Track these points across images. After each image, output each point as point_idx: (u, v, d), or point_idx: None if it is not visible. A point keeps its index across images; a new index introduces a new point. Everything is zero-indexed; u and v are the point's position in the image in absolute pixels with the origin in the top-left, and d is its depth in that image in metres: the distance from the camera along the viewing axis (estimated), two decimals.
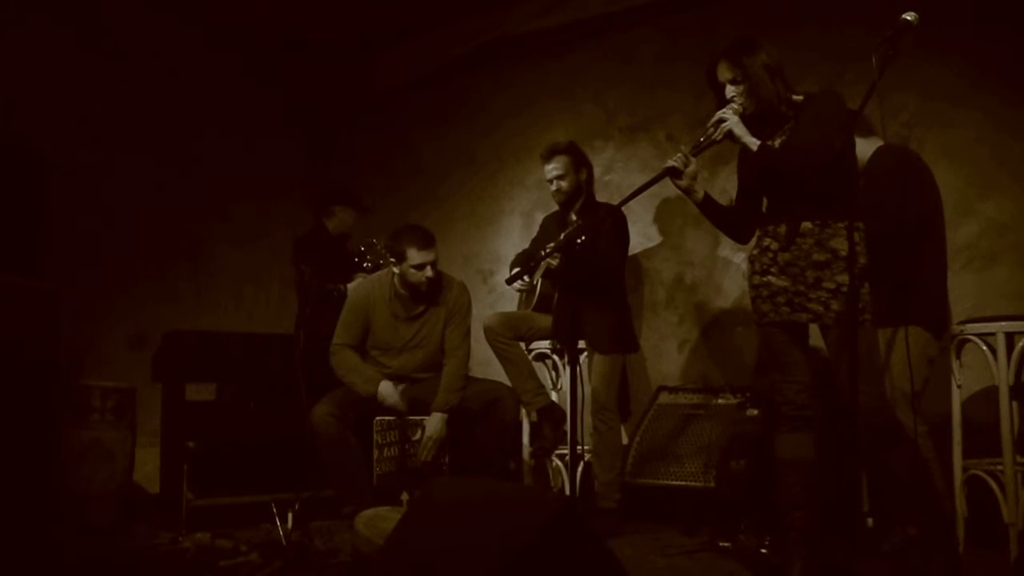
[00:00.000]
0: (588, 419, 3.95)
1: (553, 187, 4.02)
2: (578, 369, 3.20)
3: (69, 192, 4.61)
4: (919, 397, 3.06)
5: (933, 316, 3.19)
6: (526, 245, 4.57)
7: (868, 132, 3.37)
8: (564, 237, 3.65)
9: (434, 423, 3.82)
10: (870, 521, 3.31)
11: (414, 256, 3.87)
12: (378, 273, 4.20)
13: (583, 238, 3.61)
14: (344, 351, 4.01)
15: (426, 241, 3.89)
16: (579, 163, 4.03)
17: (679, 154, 2.82)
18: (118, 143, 5.06)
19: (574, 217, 4.06)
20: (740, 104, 2.75)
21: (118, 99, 5.07)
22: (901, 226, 3.13)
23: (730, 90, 2.77)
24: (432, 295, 4.03)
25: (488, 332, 4.00)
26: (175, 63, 5.36)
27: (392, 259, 3.97)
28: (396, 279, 4.03)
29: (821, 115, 2.67)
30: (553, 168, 3.99)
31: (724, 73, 2.78)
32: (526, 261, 4.21)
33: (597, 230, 3.80)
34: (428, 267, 3.89)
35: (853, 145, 2.89)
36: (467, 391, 3.92)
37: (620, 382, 3.97)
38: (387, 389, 3.86)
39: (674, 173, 2.83)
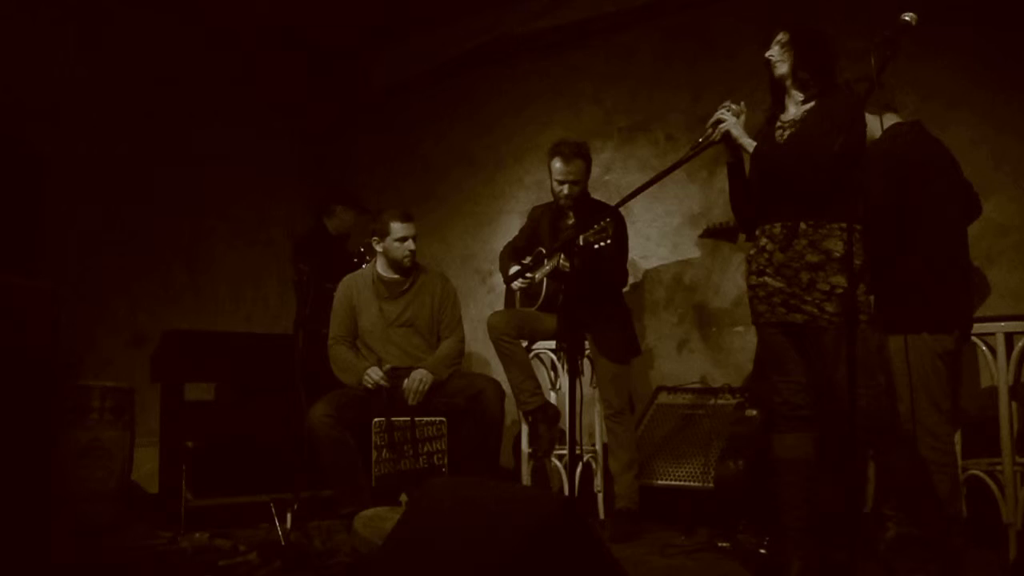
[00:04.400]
0: (598, 423, 4.03)
1: (565, 190, 3.91)
2: (578, 370, 3.20)
3: (68, 192, 4.61)
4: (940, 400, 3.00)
5: (933, 314, 3.01)
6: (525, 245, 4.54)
7: (885, 108, 3.24)
8: (564, 238, 3.62)
9: (420, 372, 3.85)
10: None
11: (397, 229, 4.00)
12: (361, 268, 4.26)
13: (583, 238, 3.56)
14: (338, 347, 4.04)
15: (407, 215, 4.05)
16: (591, 168, 4.02)
17: (724, 108, 2.77)
18: (117, 143, 5.05)
19: (571, 219, 4.04)
20: (779, 58, 2.75)
21: (118, 99, 5.07)
22: (889, 223, 3.01)
23: (774, 50, 2.77)
24: (415, 274, 4.12)
25: (492, 330, 3.96)
26: (175, 62, 5.35)
27: (375, 238, 4.07)
28: (378, 263, 4.12)
29: (828, 118, 2.66)
30: (572, 171, 3.88)
31: (781, 37, 2.78)
32: (517, 258, 4.20)
33: (604, 232, 3.76)
34: (410, 240, 4.01)
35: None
36: (452, 386, 3.92)
37: None
38: (371, 370, 3.88)
39: (727, 134, 2.75)
